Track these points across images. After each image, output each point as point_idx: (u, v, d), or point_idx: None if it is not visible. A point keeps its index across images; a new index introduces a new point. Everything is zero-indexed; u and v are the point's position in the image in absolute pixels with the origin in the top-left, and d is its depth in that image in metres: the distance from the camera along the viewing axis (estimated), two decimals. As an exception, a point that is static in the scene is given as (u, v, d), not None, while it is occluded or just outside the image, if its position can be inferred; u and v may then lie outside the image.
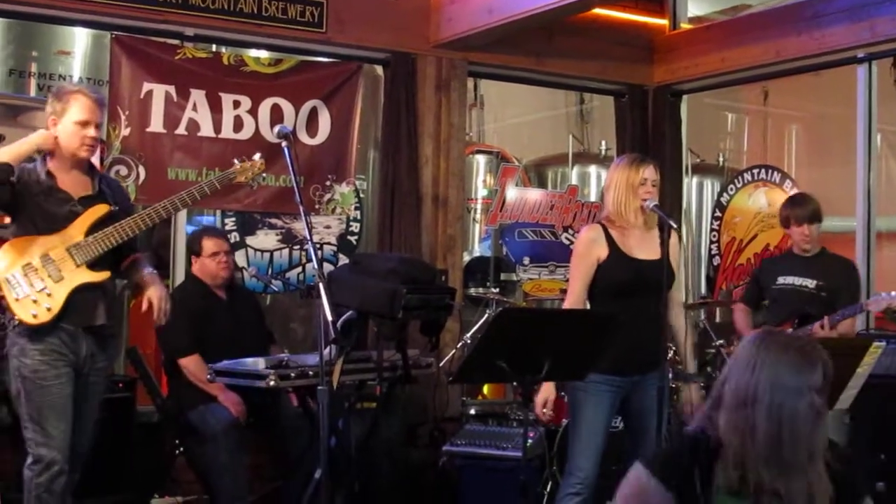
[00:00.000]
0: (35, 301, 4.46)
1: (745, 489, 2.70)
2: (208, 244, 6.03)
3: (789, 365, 2.68)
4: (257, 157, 5.17)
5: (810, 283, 5.94)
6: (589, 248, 4.89)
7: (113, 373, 5.28)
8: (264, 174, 6.36)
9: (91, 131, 4.59)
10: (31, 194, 4.53)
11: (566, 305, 4.96)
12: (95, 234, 4.58)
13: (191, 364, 5.79)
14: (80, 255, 4.55)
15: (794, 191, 7.64)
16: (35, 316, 4.45)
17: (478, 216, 8.30)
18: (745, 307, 6.31)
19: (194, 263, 6.07)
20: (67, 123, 4.56)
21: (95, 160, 4.83)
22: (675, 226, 4.74)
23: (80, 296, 4.56)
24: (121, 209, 4.76)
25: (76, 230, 4.58)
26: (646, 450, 4.79)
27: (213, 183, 4.94)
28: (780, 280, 6.06)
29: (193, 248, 6.09)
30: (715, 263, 8.20)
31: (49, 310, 4.48)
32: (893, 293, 5.63)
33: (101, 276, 4.63)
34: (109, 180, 4.85)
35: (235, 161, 5.16)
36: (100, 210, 4.64)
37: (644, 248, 4.83)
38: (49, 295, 4.48)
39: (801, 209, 5.97)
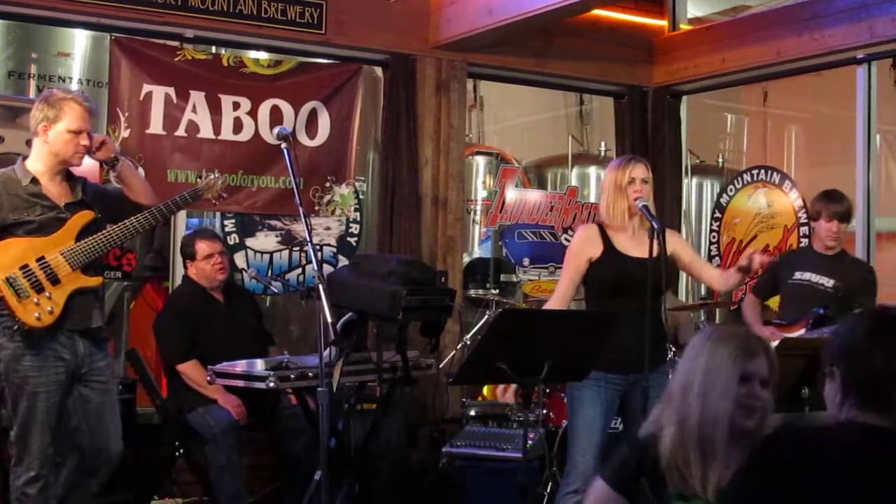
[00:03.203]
0: (37, 304, 4.47)
1: (690, 491, 2.72)
2: (202, 246, 6.00)
3: (725, 354, 2.72)
4: (215, 174, 5.48)
5: (827, 282, 5.86)
6: (582, 247, 4.90)
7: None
8: (263, 176, 6.74)
9: (84, 139, 4.63)
10: (12, 208, 4.53)
11: (550, 304, 4.95)
12: (86, 240, 4.62)
13: (189, 370, 5.80)
14: (74, 260, 4.58)
15: (794, 192, 7.65)
16: (39, 318, 4.47)
17: (477, 217, 8.29)
18: (755, 299, 6.21)
19: (189, 268, 6.05)
20: (61, 131, 4.58)
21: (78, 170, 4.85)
22: (657, 226, 4.62)
23: (77, 299, 4.60)
24: (107, 205, 4.81)
25: (66, 235, 4.61)
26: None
27: (186, 197, 5.00)
28: (798, 275, 5.96)
29: (187, 253, 6.06)
30: (715, 264, 8.18)
31: (51, 313, 4.50)
32: None
33: (95, 280, 4.70)
34: (89, 186, 4.86)
35: (199, 178, 5.30)
36: (86, 216, 4.68)
37: (639, 247, 4.80)
38: (50, 298, 4.50)
39: (836, 206, 5.85)
